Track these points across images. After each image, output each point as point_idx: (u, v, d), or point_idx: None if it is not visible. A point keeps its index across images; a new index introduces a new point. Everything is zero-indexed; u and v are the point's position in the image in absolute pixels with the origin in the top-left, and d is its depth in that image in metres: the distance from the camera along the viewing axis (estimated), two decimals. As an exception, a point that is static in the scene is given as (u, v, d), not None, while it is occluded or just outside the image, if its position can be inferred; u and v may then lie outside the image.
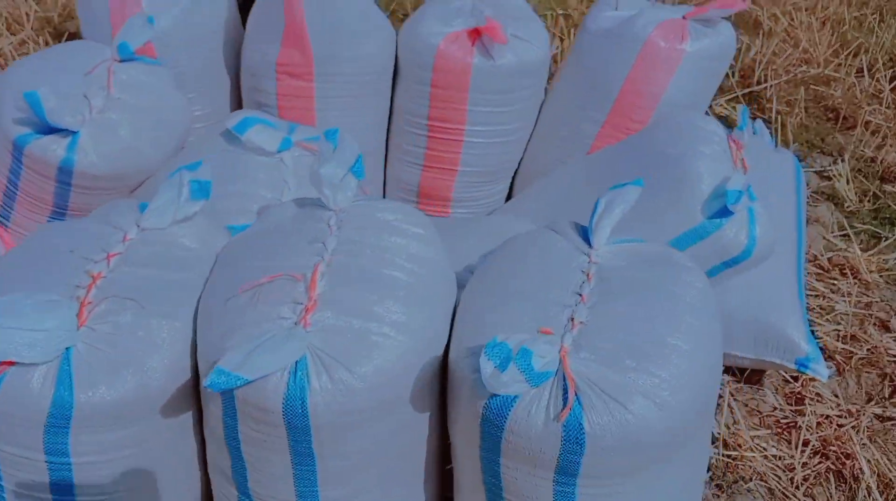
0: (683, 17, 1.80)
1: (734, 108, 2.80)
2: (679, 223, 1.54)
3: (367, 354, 0.96)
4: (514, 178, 2.09)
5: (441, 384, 1.09)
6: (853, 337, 1.97)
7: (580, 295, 1.01)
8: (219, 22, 1.89)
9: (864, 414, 1.75)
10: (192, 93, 1.90)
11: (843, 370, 1.90)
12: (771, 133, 2.60)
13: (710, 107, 2.77)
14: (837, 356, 1.93)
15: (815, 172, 2.55)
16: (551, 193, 1.81)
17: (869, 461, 1.63)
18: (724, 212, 1.50)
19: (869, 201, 2.41)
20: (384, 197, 2.11)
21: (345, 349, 0.95)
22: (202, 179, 1.14)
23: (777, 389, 1.86)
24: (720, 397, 1.81)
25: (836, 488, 1.61)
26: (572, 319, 0.98)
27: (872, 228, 2.30)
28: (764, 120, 2.72)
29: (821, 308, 2.03)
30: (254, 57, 1.81)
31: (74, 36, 2.80)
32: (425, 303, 1.03)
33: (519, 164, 2.06)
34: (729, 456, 1.66)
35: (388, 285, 1.02)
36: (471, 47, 1.76)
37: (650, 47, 1.78)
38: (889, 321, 2.03)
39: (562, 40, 2.96)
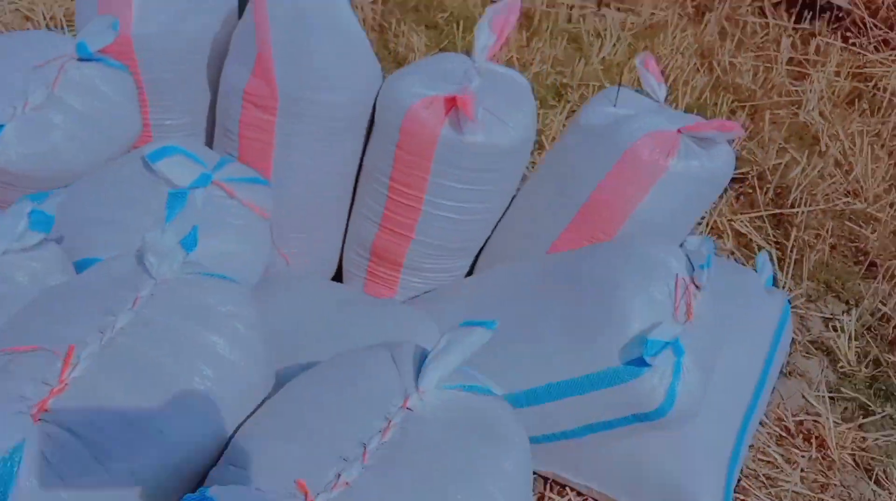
0: (678, 131, 1.65)
1: (758, 228, 2.60)
2: (593, 361, 1.40)
3: (94, 466, 0.85)
4: (479, 255, 1.99)
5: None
6: (792, 522, 1.78)
7: (364, 448, 0.89)
8: (209, 36, 1.85)
9: None
10: (168, 101, 1.87)
11: (768, 557, 1.71)
12: (780, 266, 2.40)
13: (730, 222, 2.59)
14: (767, 540, 1.73)
15: (822, 318, 2.34)
16: (486, 289, 1.69)
17: None
18: (645, 361, 1.36)
19: (868, 365, 2.18)
20: (343, 249, 2.02)
21: (72, 455, 0.84)
22: (45, 211, 1.08)
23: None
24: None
25: None
26: (339, 475, 0.86)
27: (863, 398, 2.07)
28: (782, 247, 2.52)
29: (767, 479, 1.83)
30: (227, 79, 1.75)
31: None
32: (201, 416, 0.92)
33: (486, 242, 1.96)
34: None
35: (164, 387, 0.91)
36: (443, 116, 1.66)
37: (631, 156, 1.64)
38: (840, 512, 1.82)
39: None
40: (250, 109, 1.71)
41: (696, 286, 1.53)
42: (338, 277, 2.07)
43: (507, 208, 1.91)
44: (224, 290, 1.02)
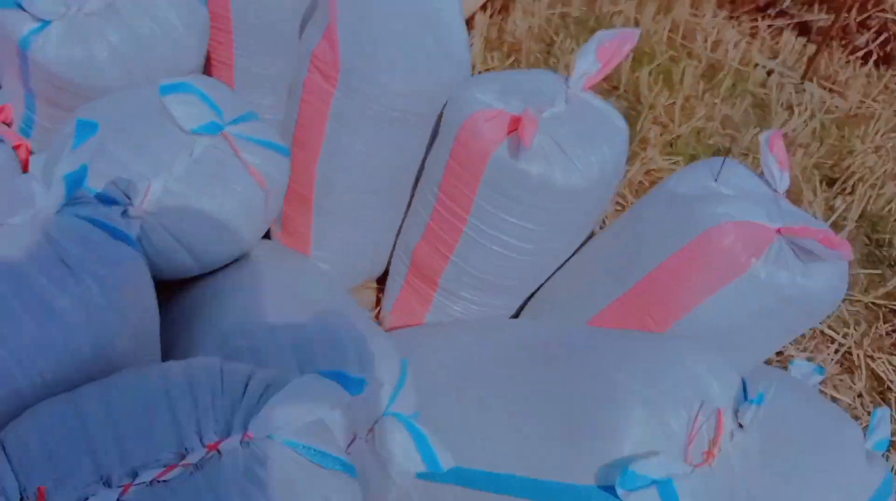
0: (777, 230, 1.30)
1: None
2: (565, 469, 1.12)
3: None
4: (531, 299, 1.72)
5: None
6: None
7: (134, 479, 0.69)
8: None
9: None
10: (254, 47, 1.79)
11: None
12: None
13: (869, 358, 2.09)
14: None
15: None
16: (484, 340, 1.43)
17: None
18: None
19: None
20: (392, 252, 1.84)
21: None
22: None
23: None
24: None
25: None
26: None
27: None
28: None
29: None
30: (303, 38, 1.62)
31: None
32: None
33: (539, 289, 1.69)
34: None
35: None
36: (504, 134, 1.43)
37: (707, 241, 1.31)
38: None
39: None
40: (315, 74, 1.57)
41: (739, 424, 1.18)
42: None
43: (571, 258, 1.63)
44: (98, 244, 0.87)
